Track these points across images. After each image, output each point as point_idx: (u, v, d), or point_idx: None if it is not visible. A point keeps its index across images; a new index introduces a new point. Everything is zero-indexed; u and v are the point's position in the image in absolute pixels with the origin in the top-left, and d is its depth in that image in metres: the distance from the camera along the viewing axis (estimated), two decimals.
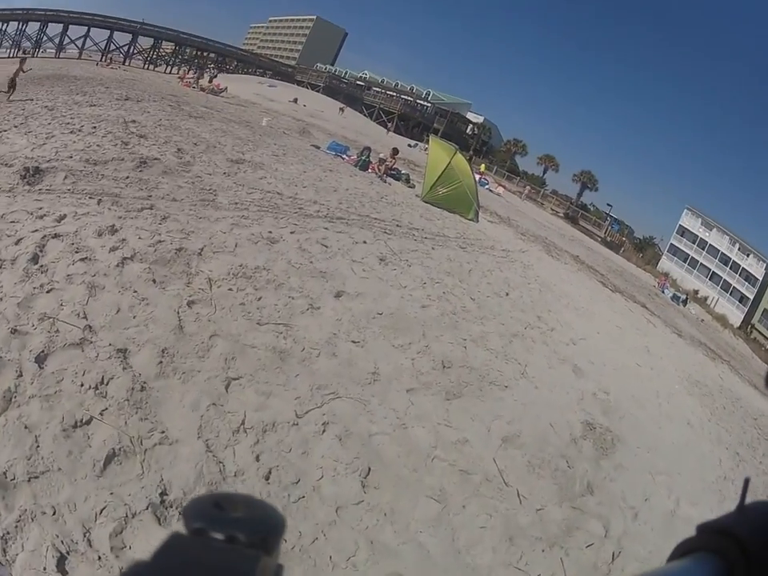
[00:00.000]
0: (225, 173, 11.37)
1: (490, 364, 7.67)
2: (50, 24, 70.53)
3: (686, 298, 48.22)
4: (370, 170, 21.32)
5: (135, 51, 77.64)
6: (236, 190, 10.38)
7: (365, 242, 10.30)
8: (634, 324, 17.54)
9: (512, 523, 4.82)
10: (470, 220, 19.85)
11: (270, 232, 8.67)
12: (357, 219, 11.85)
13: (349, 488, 4.46)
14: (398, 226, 13.07)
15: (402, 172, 23.41)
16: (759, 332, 73.15)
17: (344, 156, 22.78)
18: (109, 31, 74.79)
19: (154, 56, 79.47)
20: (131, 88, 24.06)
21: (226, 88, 39.72)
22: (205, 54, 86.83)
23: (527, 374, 7.99)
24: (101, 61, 59.27)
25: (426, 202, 19.23)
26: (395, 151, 22.84)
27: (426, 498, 4.66)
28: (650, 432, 8.61)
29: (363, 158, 21.57)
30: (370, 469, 4.67)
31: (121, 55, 74.65)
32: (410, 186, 21.89)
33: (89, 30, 73.01)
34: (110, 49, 74.15)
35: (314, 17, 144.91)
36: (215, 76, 48.44)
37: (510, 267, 14.69)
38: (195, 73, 48.49)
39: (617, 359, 11.49)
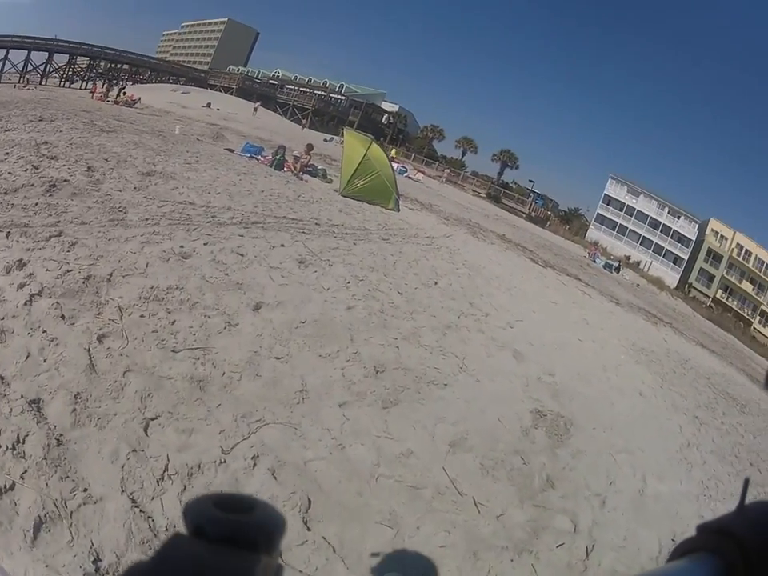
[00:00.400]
0: (135, 187, 10.76)
1: (426, 362, 7.38)
2: None
3: (619, 265, 48.28)
4: (285, 169, 20.87)
5: (51, 69, 76.38)
6: (147, 204, 9.81)
7: (282, 246, 9.90)
8: (569, 298, 17.60)
9: (473, 536, 4.53)
10: (390, 210, 19.75)
11: (182, 246, 8.18)
12: (273, 222, 11.43)
13: (290, 528, 3.95)
14: (316, 224, 12.72)
15: (319, 168, 23.02)
16: (698, 290, 76.13)
17: (259, 157, 22.19)
18: (26, 52, 73.51)
19: (70, 72, 78.41)
20: (46, 108, 22.83)
21: (140, 99, 38.74)
22: (118, 66, 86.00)
23: (466, 367, 7.73)
24: (18, 83, 57.89)
25: (345, 197, 18.87)
26: (309, 147, 22.31)
27: (375, 525, 4.30)
28: (602, 410, 8.47)
29: (278, 157, 21.06)
30: (310, 501, 4.26)
31: (38, 75, 73.32)
32: (327, 181, 21.54)
33: (7, 53, 71.68)
34: (28, 69, 72.83)
35: (225, 19, 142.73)
36: (124, 87, 47.34)
37: (436, 254, 14.48)
38: (104, 85, 47.53)
39: (557, 337, 11.43)
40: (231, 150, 21.99)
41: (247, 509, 0.57)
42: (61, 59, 78.41)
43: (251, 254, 8.93)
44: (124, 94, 40.17)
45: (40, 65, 75.13)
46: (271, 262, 8.86)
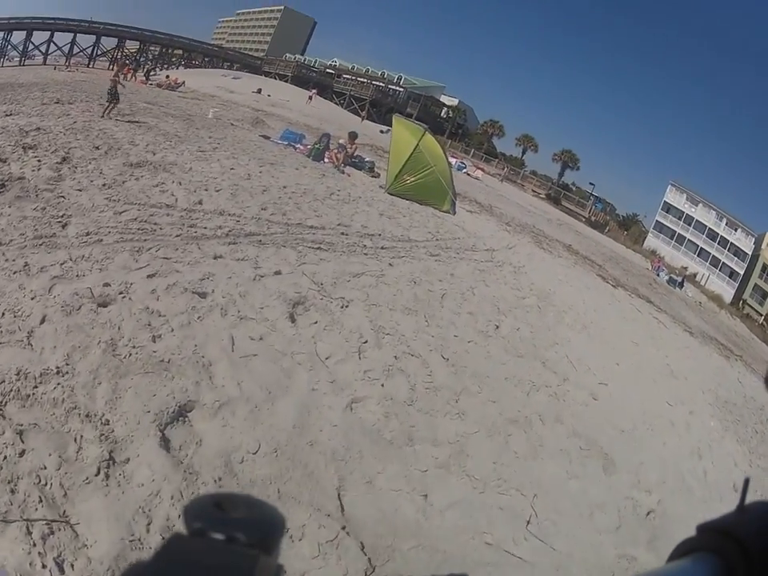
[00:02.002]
0: (105, 184, 8.38)
1: (474, 523, 4.30)
2: (13, 32, 69.17)
3: (683, 280, 46.15)
4: (326, 160, 18.62)
5: (100, 53, 76.44)
6: (102, 210, 7.26)
7: (277, 274, 7.04)
8: (646, 331, 15.10)
9: None
10: (445, 212, 17.14)
11: (108, 284, 5.32)
12: (279, 233, 8.72)
13: None
14: (343, 234, 9.98)
15: (367, 160, 20.58)
16: (751, 307, 73.29)
17: (297, 145, 20.08)
18: (72, 34, 73.40)
19: (119, 56, 76.29)
20: (73, 90, 21.97)
21: (183, 82, 38.29)
22: (170, 50, 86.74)
23: (538, 519, 4.67)
24: (59, 64, 57.30)
25: (392, 195, 16.36)
26: (353, 136, 19.82)
27: None
28: None
29: (317, 146, 18.79)
30: None
31: (86, 58, 73.84)
32: (373, 176, 19.02)
33: (52, 35, 71.51)
34: (74, 52, 73.07)
35: (282, 7, 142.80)
36: (152, 69, 46.40)
37: (498, 276, 11.84)
38: (132, 66, 46.20)
39: (648, 409, 8.78)
40: (267, 137, 20.04)
41: (247, 509, 0.57)
42: (110, 43, 79.17)
43: (219, 292, 6.03)
44: (167, 77, 40.18)
45: (87, 47, 75.67)
46: (245, 308, 5.92)
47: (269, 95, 50.84)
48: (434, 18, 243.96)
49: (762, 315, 72.21)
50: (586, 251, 27.35)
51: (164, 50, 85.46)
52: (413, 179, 16.76)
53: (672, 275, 46.22)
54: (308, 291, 6.86)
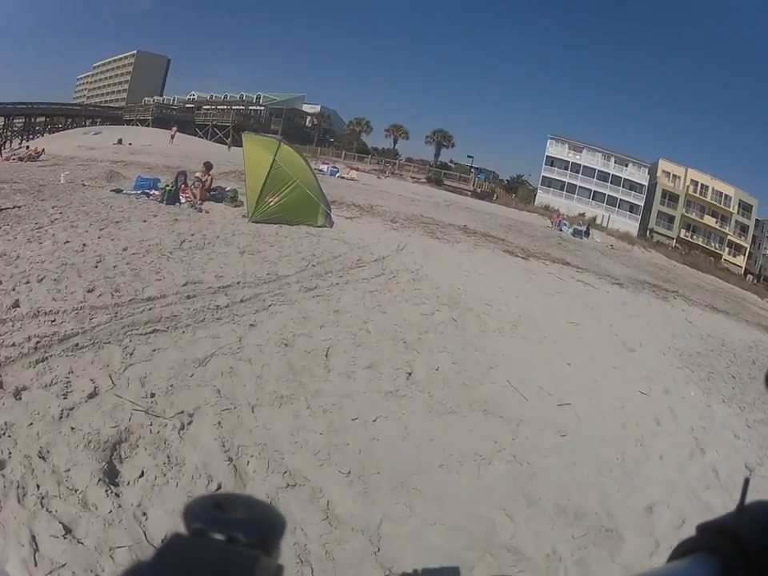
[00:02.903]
0: None
1: None
2: None
3: (588, 228, 46.06)
4: (183, 200, 16.58)
5: None
6: None
7: (93, 396, 4.93)
8: (578, 302, 14.30)
9: None
10: (321, 227, 15.35)
11: None
12: (104, 323, 6.47)
13: None
14: (189, 297, 7.81)
15: (228, 189, 18.52)
16: (660, 234, 75.95)
17: (152, 191, 17.65)
18: None
19: None
20: None
21: (43, 150, 35.43)
22: (33, 119, 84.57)
23: None
24: None
25: (258, 222, 14.39)
26: (208, 166, 17.95)
27: None
28: None
29: (168, 188, 16.57)
30: None
31: None
32: (236, 206, 17.00)
33: None
34: None
35: (134, 52, 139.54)
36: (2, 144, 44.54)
37: (395, 292, 10.17)
38: None
39: (627, 414, 7.47)
40: (119, 191, 17.61)
41: (247, 509, 0.57)
42: None
43: (17, 458, 4.15)
44: (27, 148, 38.03)
45: None
46: (46, 479, 4.06)
47: (129, 143, 48.85)
48: (277, 30, 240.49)
49: (672, 238, 75.44)
50: (483, 227, 26.45)
51: (27, 120, 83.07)
52: (277, 199, 14.88)
53: (575, 226, 46.02)
54: (132, 417, 4.75)
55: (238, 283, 8.72)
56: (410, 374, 6.60)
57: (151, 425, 4.67)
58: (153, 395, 5.10)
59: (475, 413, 6.10)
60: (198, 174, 17.80)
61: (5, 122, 79.45)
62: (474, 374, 7.09)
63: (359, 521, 4.12)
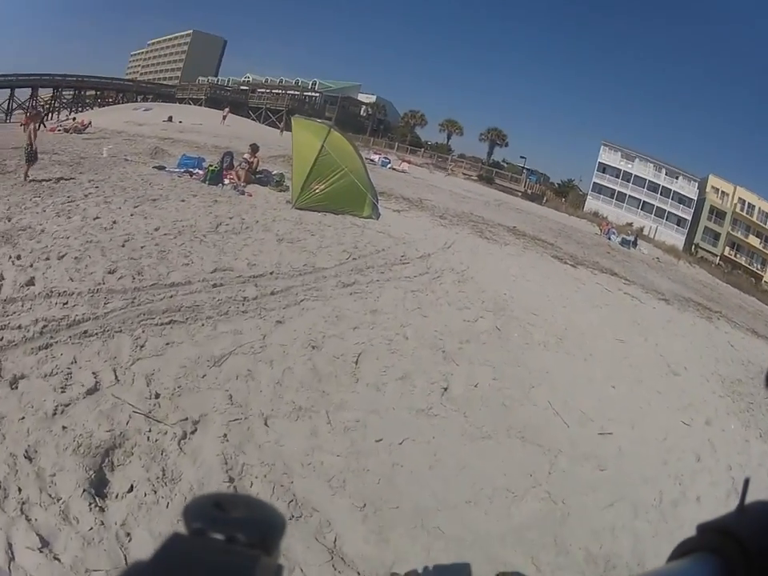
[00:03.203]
0: None
1: None
2: None
3: (636, 239, 44.99)
4: (227, 181, 16.06)
5: (15, 106, 74.29)
6: None
7: (93, 391, 4.55)
8: (625, 316, 13.41)
9: None
10: (366, 218, 14.76)
11: None
12: (119, 309, 6.06)
13: None
14: (216, 285, 7.28)
15: (274, 173, 17.99)
16: (705, 250, 74.07)
17: (196, 170, 17.26)
18: None
19: (34, 105, 72.87)
20: None
21: (89, 123, 35.50)
22: (83, 92, 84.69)
23: None
24: None
25: (301, 209, 13.81)
26: (254, 148, 17.44)
27: None
28: None
29: (212, 167, 16.15)
30: None
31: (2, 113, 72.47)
32: (281, 190, 16.43)
33: None
34: None
35: (191, 31, 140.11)
36: (46, 114, 45.18)
37: (438, 293, 9.57)
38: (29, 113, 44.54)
39: (669, 447, 6.96)
40: (162, 168, 17.32)
41: (247, 509, 0.55)
42: (23, 94, 76.80)
43: (2, 457, 3.81)
44: (74, 120, 38.25)
45: (1, 102, 74.02)
46: (29, 484, 3.68)
47: (180, 122, 48.69)
48: (337, 19, 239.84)
49: (717, 255, 73.37)
50: (532, 230, 25.43)
51: (77, 93, 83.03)
52: (323, 187, 14.27)
53: (624, 236, 44.95)
54: (130, 421, 4.27)
55: (272, 273, 8.25)
56: (445, 389, 6.07)
57: (150, 431, 4.20)
58: (157, 396, 4.63)
59: (512, 439, 5.59)
60: (245, 156, 17.42)
61: (53, 93, 79.75)
62: (514, 393, 6.57)
63: (368, 564, 3.65)
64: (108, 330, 5.44)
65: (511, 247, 17.31)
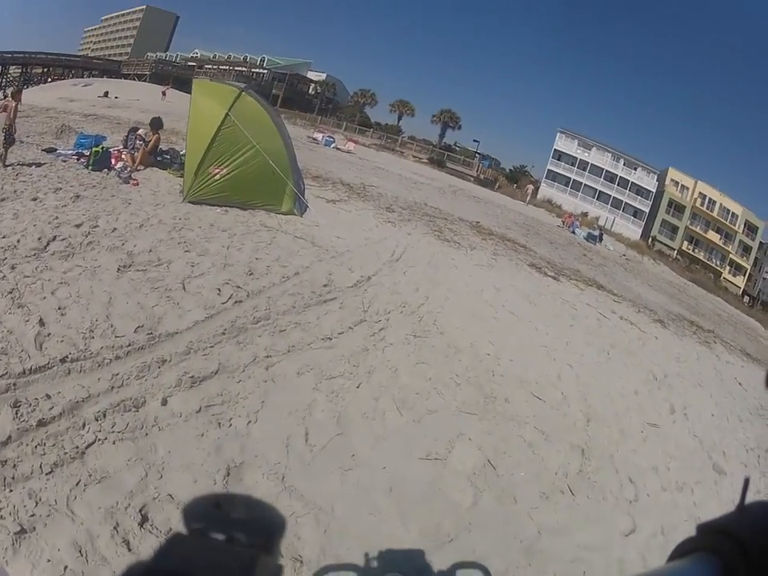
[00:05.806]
0: None
1: None
2: None
3: (601, 233, 44.12)
4: (116, 164, 12.43)
5: None
6: None
7: None
8: (639, 367, 10.25)
9: None
10: (286, 215, 11.31)
11: None
12: None
13: None
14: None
15: (183, 152, 13.57)
16: (661, 243, 74.58)
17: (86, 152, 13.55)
18: None
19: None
20: None
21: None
22: (29, 69, 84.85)
23: None
24: None
25: (194, 203, 10.15)
26: (156, 125, 13.73)
27: None
28: None
29: (96, 149, 12.47)
30: None
31: None
32: (181, 175, 12.22)
33: None
34: None
35: (144, 7, 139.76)
36: None
37: (375, 391, 5.50)
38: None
39: None
40: (53, 150, 13.71)
41: (247, 509, 0.62)
42: None
43: None
44: (4, 96, 34.59)
45: None
46: None
47: (116, 97, 46.40)
48: None
49: (674, 249, 74.24)
50: (497, 226, 22.59)
51: (24, 70, 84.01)
52: (224, 171, 10.45)
53: (589, 230, 43.42)
54: None
55: (63, 360, 4.21)
56: None
57: None
58: None
59: None
60: (139, 132, 13.72)
61: (0, 70, 79.71)
62: None
63: None
64: None
65: (479, 253, 14.50)
